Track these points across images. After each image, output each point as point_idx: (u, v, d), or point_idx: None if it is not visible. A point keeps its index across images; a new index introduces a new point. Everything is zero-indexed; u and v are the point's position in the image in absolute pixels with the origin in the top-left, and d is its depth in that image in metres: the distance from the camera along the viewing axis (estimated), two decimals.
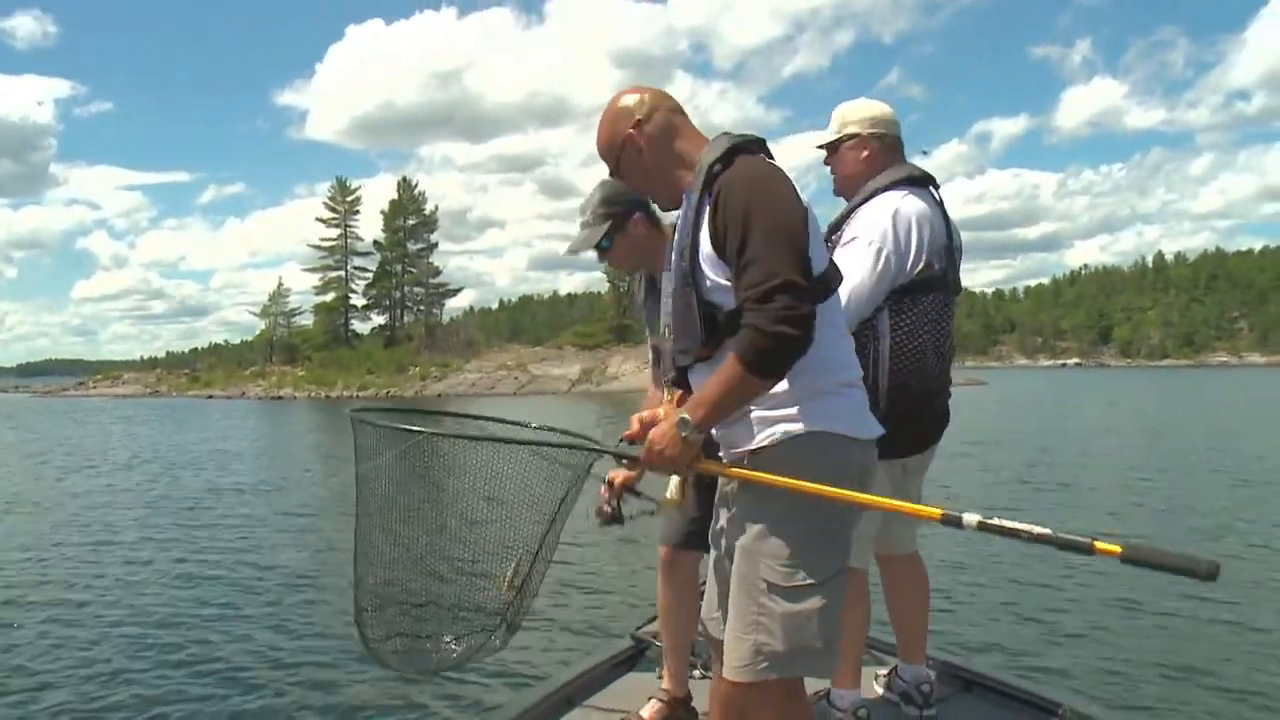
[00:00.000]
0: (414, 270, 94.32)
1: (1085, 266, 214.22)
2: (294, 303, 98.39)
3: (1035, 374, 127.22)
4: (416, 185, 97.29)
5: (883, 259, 3.31)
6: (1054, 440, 27.46)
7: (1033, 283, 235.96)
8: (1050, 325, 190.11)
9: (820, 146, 3.67)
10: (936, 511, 2.33)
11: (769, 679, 2.47)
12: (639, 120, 2.63)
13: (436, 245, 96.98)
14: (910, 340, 3.38)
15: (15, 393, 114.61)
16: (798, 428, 2.44)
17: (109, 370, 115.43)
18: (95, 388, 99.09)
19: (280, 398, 76.30)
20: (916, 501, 3.78)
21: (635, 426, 2.71)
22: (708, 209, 2.44)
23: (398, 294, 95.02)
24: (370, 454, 2.74)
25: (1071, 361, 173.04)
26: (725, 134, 2.56)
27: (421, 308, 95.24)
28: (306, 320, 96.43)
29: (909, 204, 3.42)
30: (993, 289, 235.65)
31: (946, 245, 3.50)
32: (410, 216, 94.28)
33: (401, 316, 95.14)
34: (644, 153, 2.64)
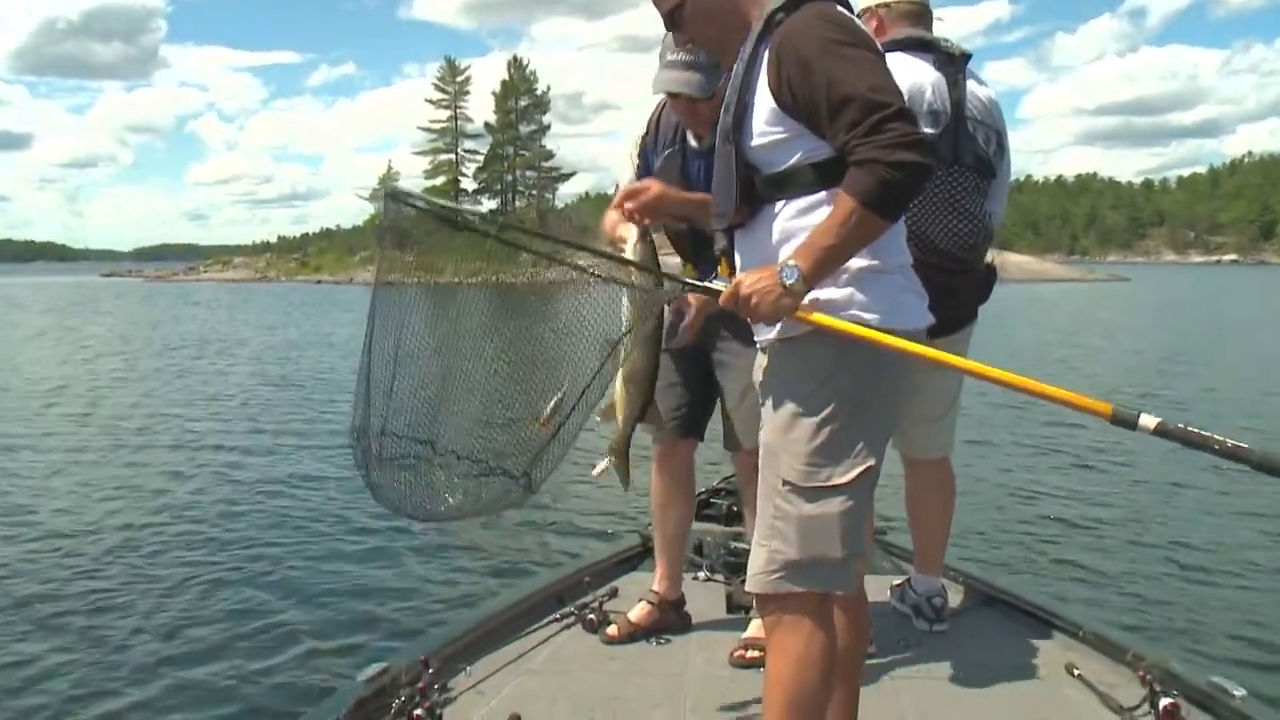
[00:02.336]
0: (526, 154, 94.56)
1: (1249, 154, 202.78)
2: (403, 187, 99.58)
3: (1186, 271, 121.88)
4: (528, 65, 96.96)
5: None
6: (1193, 342, 26.31)
7: (1187, 172, 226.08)
8: (1205, 218, 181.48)
9: None
10: (1106, 407, 2.14)
11: (786, 590, 2.37)
12: None
13: (549, 128, 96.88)
14: None
15: (129, 277, 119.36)
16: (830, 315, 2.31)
17: (220, 255, 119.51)
18: (205, 272, 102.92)
19: (389, 283, 77.68)
20: (946, 398, 3.65)
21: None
22: (766, 56, 2.31)
23: (509, 178, 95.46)
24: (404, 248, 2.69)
25: (1228, 258, 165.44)
26: None
27: (533, 193, 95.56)
28: None
29: (895, 64, 3.27)
30: (1141, 178, 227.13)
31: (937, 113, 3.38)
32: (522, 98, 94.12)
33: (513, 201, 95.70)
34: None
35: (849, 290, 2.30)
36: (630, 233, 3.10)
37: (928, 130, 3.28)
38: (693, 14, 2.47)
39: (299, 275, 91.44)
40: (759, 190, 2.38)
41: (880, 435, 2.41)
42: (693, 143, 3.48)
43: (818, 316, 2.26)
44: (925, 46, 3.43)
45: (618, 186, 3.58)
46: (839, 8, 2.35)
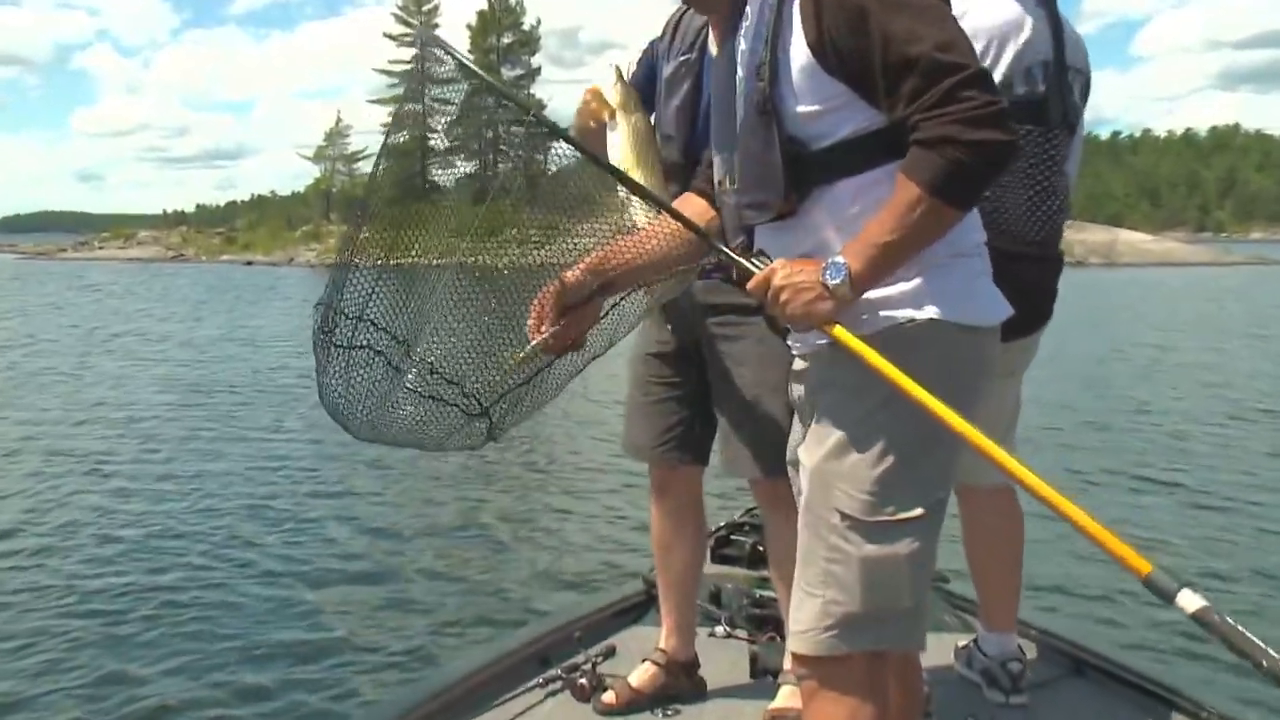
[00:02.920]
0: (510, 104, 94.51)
1: None
2: (357, 144, 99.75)
3: None
4: None
5: None
6: None
7: None
8: None
9: None
10: (1145, 565, 2.11)
11: (844, 651, 2.39)
12: None
13: (539, 72, 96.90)
14: None
15: None
16: (889, 315, 2.34)
17: (120, 226, 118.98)
18: (100, 248, 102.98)
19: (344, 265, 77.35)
20: (1008, 408, 3.69)
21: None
22: (798, 2, 2.31)
23: (489, 135, 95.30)
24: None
25: None
26: None
27: (520, 153, 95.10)
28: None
29: (983, 6, 3.34)
30: None
31: (1046, 63, 3.42)
32: (505, 34, 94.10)
33: (494, 163, 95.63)
34: None
35: (917, 282, 2.33)
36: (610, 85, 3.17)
37: (1023, 89, 3.34)
38: None
39: (224, 254, 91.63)
40: (811, 169, 2.37)
41: (954, 458, 2.44)
42: (713, 50, 3.52)
43: (843, 334, 2.28)
44: None
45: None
46: None
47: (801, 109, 2.34)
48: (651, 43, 3.78)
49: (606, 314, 2.86)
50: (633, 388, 3.81)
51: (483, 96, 2.97)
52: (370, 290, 2.76)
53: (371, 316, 2.77)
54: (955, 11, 3.25)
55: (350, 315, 2.76)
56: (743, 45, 2.47)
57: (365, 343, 2.77)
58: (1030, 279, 3.39)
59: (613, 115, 3.27)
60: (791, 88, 2.33)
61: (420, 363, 2.79)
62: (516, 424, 2.94)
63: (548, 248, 2.77)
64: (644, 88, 3.70)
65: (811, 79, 2.31)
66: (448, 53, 2.63)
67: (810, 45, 2.29)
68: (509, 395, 2.86)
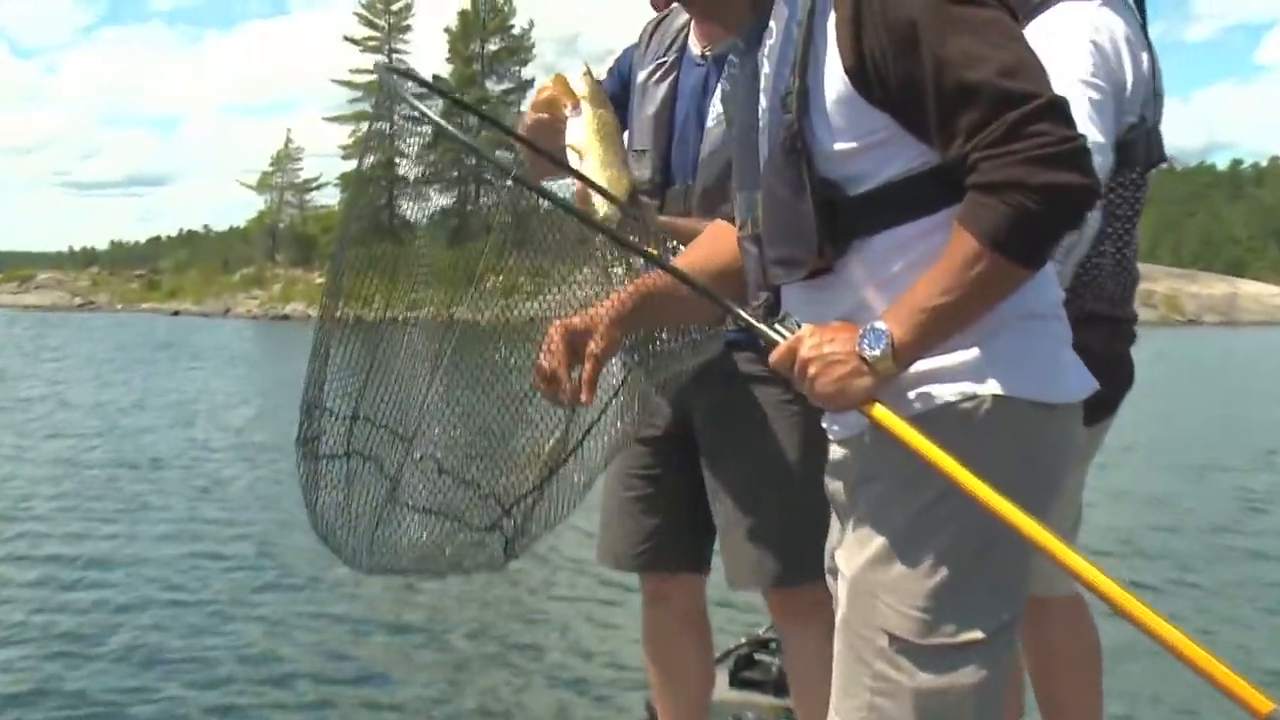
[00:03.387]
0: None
1: None
2: (310, 170, 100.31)
3: None
4: None
5: (1103, 106, 3.23)
6: None
7: None
8: None
9: None
10: (1265, 703, 2.03)
11: None
12: None
13: (532, 85, 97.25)
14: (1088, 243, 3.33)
15: None
16: (942, 391, 2.32)
17: (14, 266, 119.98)
18: None
19: (287, 317, 78.53)
20: (1077, 503, 3.72)
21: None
22: (833, 14, 2.30)
23: (471, 161, 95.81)
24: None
25: None
26: None
27: (508, 184, 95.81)
28: (329, 198, 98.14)
29: (1108, 19, 3.35)
30: None
31: (1152, 89, 3.45)
32: (491, 39, 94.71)
33: (476, 196, 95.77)
34: None
35: (976, 350, 2.31)
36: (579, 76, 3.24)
37: (1149, 119, 3.40)
38: None
39: (144, 302, 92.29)
40: (849, 218, 2.35)
41: (1025, 566, 2.42)
42: (693, 49, 3.59)
43: (884, 415, 2.25)
44: None
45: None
46: None
47: (838, 146, 2.34)
48: (625, 51, 3.85)
49: (628, 373, 2.89)
50: (610, 481, 3.73)
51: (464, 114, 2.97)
52: (361, 380, 2.77)
53: (368, 413, 2.77)
54: (1085, 18, 3.30)
55: (342, 414, 2.76)
56: (766, 68, 2.47)
57: (365, 447, 2.76)
58: (1111, 347, 3.43)
59: (576, 105, 3.31)
60: (825, 121, 2.33)
61: (424, 460, 2.78)
62: (537, 536, 2.93)
63: (539, 299, 2.79)
64: (616, 97, 3.72)
65: (849, 110, 2.31)
66: (416, 105, 2.76)
67: (848, 70, 2.29)
68: (522, 503, 2.84)
